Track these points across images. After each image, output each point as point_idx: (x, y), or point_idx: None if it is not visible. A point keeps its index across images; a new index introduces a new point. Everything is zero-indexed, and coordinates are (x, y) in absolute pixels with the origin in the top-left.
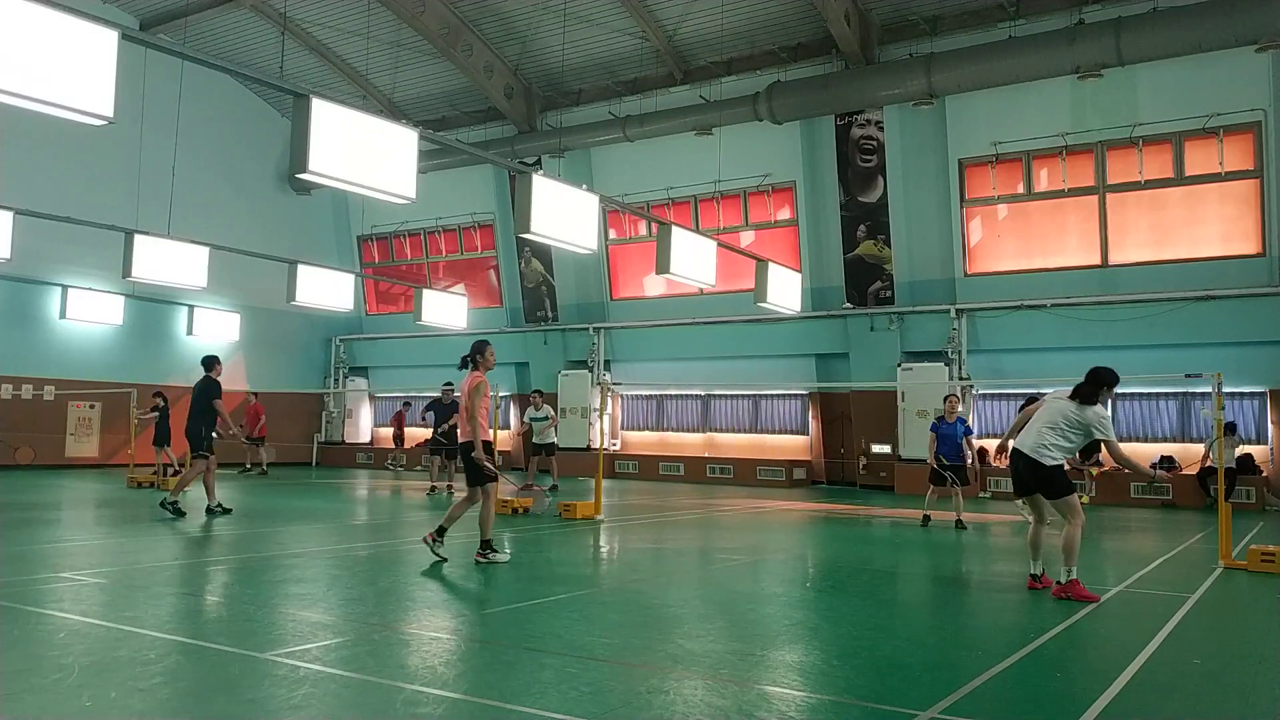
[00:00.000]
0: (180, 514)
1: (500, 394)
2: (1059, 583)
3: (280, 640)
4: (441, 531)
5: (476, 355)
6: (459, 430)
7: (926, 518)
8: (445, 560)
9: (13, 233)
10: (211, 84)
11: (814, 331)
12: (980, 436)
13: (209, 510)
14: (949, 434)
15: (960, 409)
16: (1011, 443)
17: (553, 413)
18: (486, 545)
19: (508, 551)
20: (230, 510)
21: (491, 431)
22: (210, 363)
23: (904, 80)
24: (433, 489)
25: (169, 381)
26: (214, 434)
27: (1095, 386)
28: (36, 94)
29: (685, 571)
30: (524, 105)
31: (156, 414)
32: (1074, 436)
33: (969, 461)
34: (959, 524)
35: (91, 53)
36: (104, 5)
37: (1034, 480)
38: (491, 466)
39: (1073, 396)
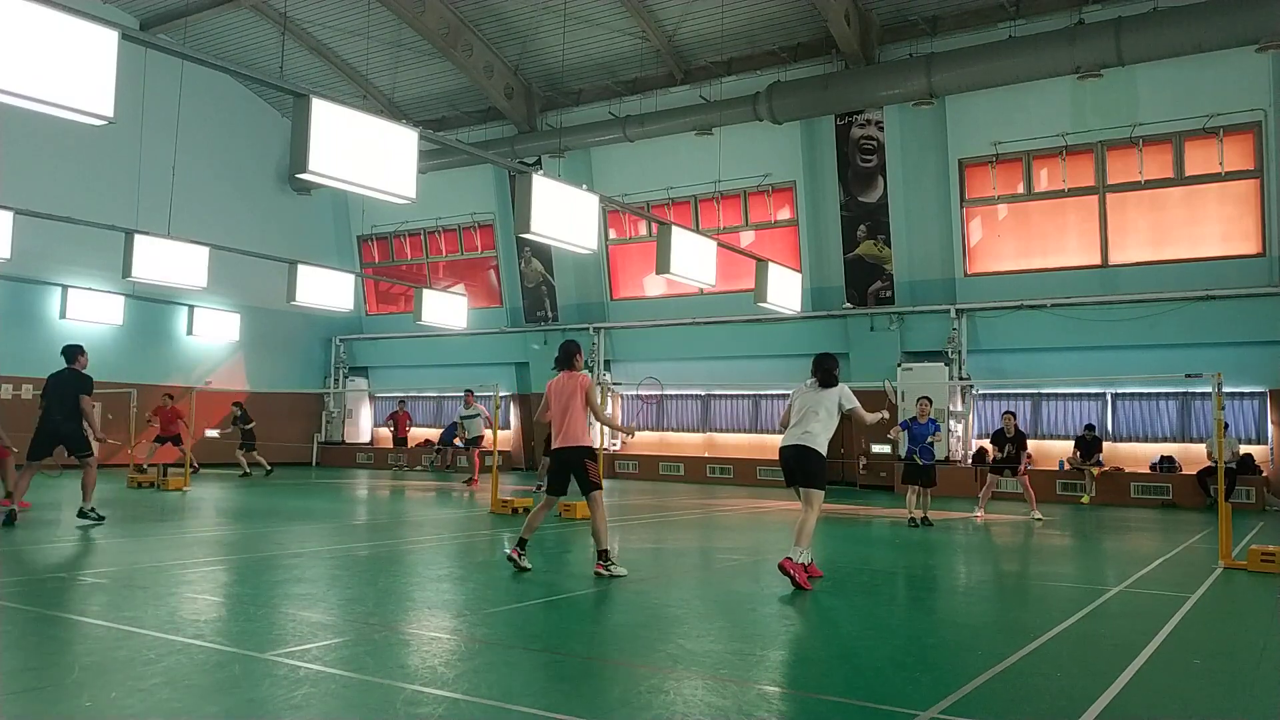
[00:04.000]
0: (100, 518)
1: (500, 394)
2: (791, 560)
3: (280, 640)
4: (523, 544)
5: (575, 356)
6: (565, 434)
7: (913, 520)
8: (529, 570)
9: (13, 233)
10: (211, 84)
11: (814, 331)
12: (980, 436)
13: (82, 513)
14: (920, 433)
15: (931, 412)
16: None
17: (485, 410)
18: (604, 555)
19: (621, 567)
20: (104, 518)
21: (490, 432)
22: (73, 353)
23: (904, 80)
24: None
25: (169, 381)
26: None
27: (829, 371)
28: (36, 94)
29: (685, 571)
30: (524, 105)
31: (238, 423)
32: (829, 420)
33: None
34: (925, 521)
35: (91, 53)
36: (104, 5)
37: (800, 470)
38: (599, 474)
39: (822, 385)
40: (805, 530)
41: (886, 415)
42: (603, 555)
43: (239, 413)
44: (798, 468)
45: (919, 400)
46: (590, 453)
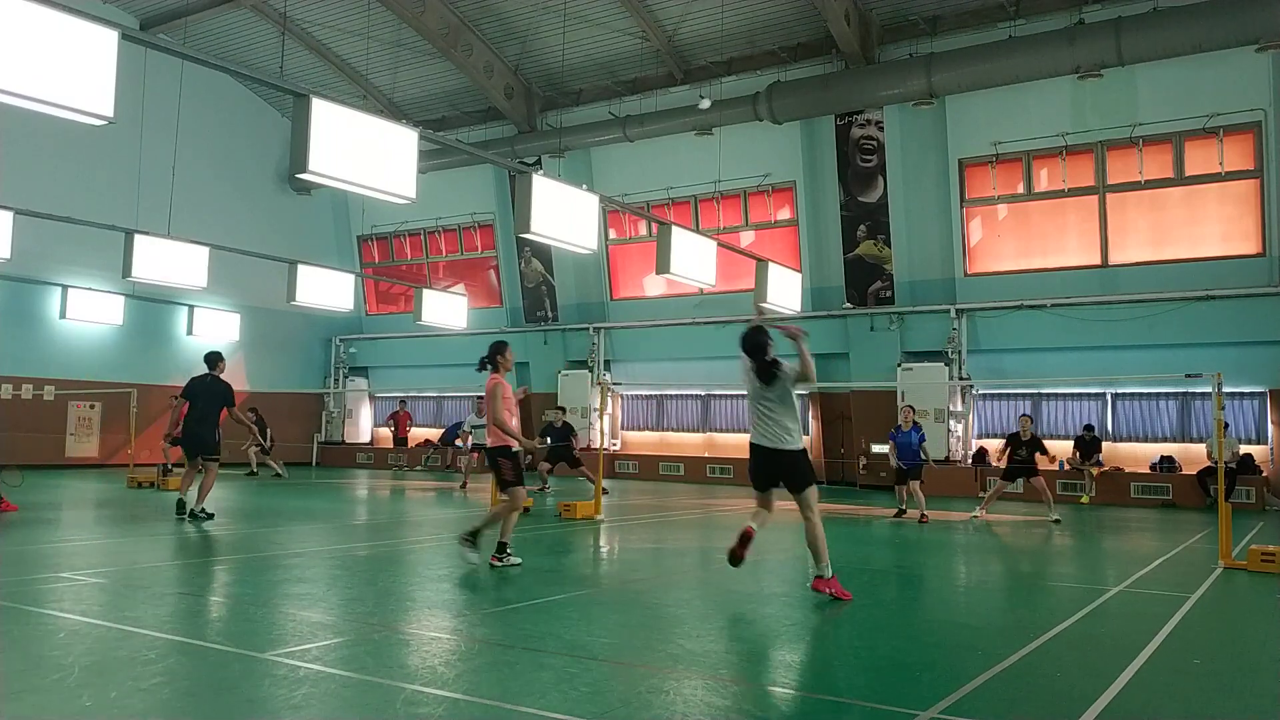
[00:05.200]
0: (210, 516)
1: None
2: (821, 579)
3: (280, 640)
4: (475, 535)
5: (496, 356)
6: (487, 435)
7: (901, 510)
8: (519, 564)
9: (13, 233)
10: (211, 84)
11: (814, 331)
12: (979, 436)
13: (195, 514)
14: (905, 442)
15: (914, 417)
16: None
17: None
18: (503, 549)
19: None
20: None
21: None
22: (215, 360)
23: (904, 80)
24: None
25: (169, 382)
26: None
27: (765, 360)
28: (36, 94)
29: (685, 571)
30: (524, 105)
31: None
32: (791, 408)
33: (924, 460)
34: (901, 514)
35: (91, 53)
36: (104, 5)
37: (787, 475)
38: (513, 472)
39: (762, 379)
40: (820, 542)
41: (808, 364)
42: (501, 548)
43: (254, 417)
44: (781, 473)
45: (902, 408)
46: (503, 451)
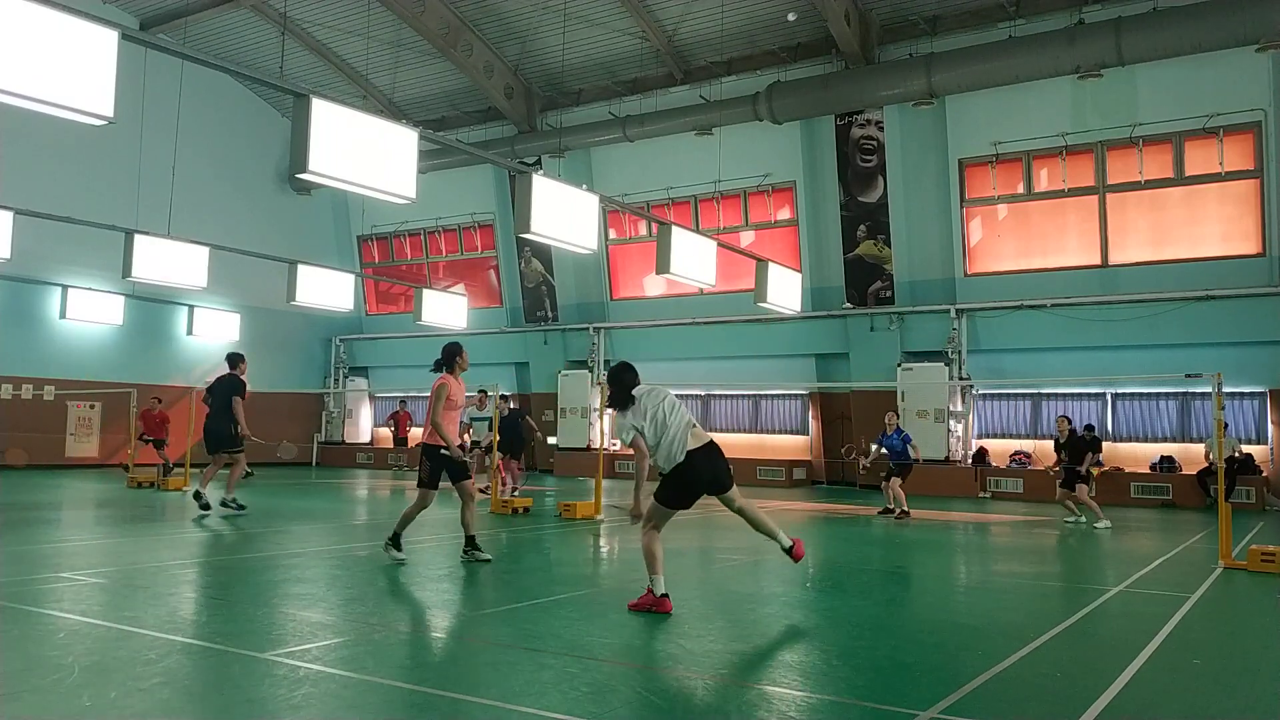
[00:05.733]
0: (241, 508)
1: (500, 393)
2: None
3: (280, 640)
4: (471, 540)
5: (453, 359)
6: (422, 432)
7: (887, 509)
8: (490, 560)
9: (13, 233)
10: (211, 84)
11: (814, 331)
12: (980, 436)
13: (224, 503)
14: (890, 445)
15: (898, 422)
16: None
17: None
18: (471, 542)
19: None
20: (245, 508)
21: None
22: (235, 360)
23: (904, 80)
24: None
25: (169, 382)
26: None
27: (625, 389)
28: (36, 94)
29: (685, 571)
30: (524, 105)
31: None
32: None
33: (914, 459)
34: (900, 513)
35: (91, 53)
36: (104, 5)
37: (724, 470)
38: (429, 474)
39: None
40: (766, 522)
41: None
42: (470, 541)
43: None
44: (721, 468)
45: (886, 414)
46: (426, 450)
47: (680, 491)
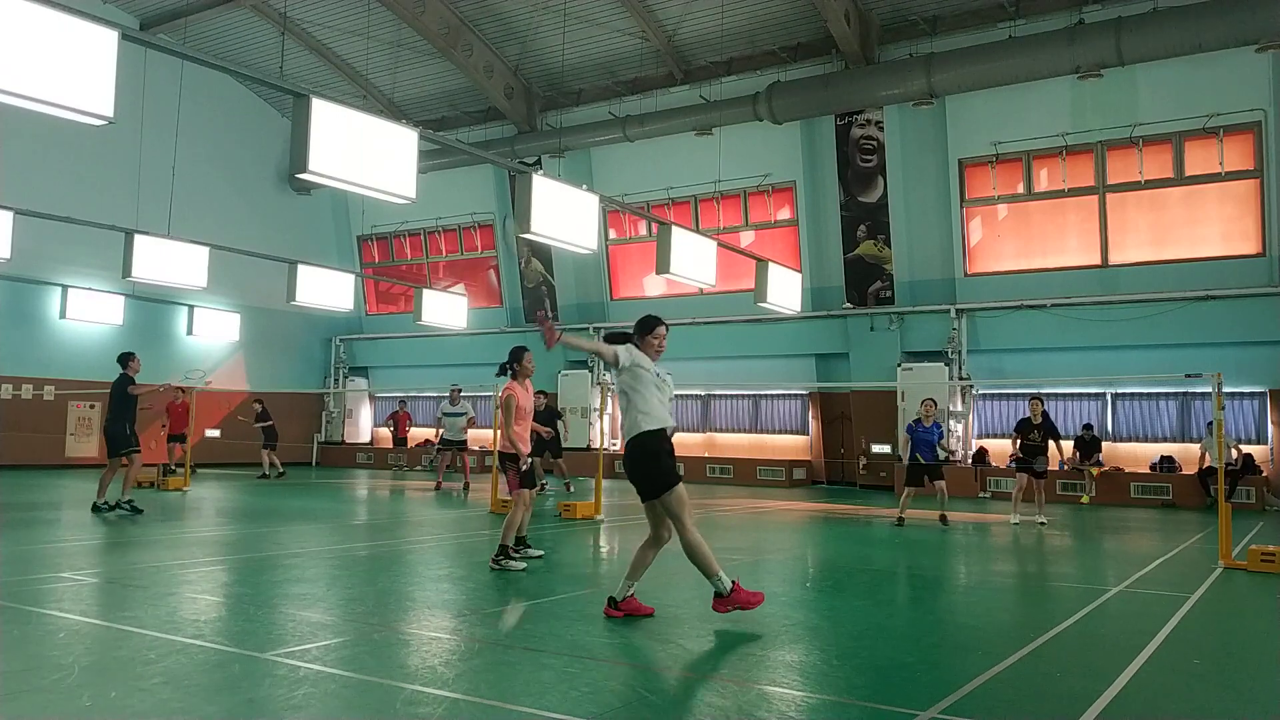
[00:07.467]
0: (138, 510)
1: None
2: (720, 595)
3: (280, 640)
4: (504, 550)
5: (514, 364)
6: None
7: (901, 520)
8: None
9: (13, 233)
10: (211, 84)
11: (814, 331)
12: (980, 436)
13: (115, 505)
14: (925, 438)
15: (935, 414)
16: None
17: (471, 411)
18: (504, 551)
19: (523, 563)
20: (142, 510)
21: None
22: (125, 359)
23: (904, 80)
24: (438, 487)
25: (169, 382)
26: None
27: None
28: (36, 94)
29: (685, 571)
30: (524, 105)
31: (259, 420)
32: (624, 400)
33: (944, 458)
34: (943, 519)
35: (91, 53)
36: (104, 5)
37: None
38: (516, 477)
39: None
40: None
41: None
42: (502, 550)
43: (260, 409)
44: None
45: (923, 402)
46: (502, 460)
47: (671, 457)
